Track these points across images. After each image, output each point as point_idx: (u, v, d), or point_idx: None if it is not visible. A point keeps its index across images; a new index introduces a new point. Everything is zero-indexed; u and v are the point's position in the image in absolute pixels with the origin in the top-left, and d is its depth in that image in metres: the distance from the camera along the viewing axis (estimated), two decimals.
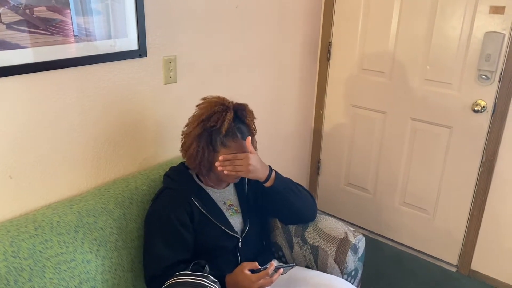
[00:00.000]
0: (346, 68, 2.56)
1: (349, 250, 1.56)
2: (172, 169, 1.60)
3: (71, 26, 1.39)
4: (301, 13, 2.43)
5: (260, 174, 1.48)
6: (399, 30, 2.30)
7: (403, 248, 2.61)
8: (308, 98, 2.71)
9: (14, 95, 1.32)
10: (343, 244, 1.57)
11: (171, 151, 1.86)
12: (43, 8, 1.32)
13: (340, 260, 1.57)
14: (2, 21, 1.24)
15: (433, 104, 2.29)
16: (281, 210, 1.62)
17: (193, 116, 1.50)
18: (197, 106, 1.50)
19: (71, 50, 1.42)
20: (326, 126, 2.76)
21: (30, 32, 1.30)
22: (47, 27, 1.34)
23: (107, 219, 1.48)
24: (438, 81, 2.24)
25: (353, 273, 1.60)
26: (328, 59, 2.62)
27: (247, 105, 1.50)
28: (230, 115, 1.43)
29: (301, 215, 1.65)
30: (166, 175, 1.59)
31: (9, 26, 1.25)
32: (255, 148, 1.54)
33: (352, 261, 1.57)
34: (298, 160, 2.81)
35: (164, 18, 1.69)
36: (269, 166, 1.52)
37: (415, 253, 2.57)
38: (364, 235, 2.68)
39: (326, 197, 2.90)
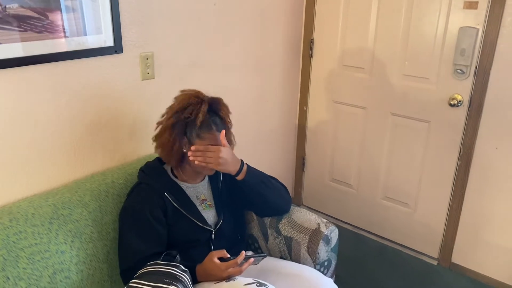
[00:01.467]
0: (327, 65, 2.60)
1: (321, 241, 1.59)
2: (147, 164, 1.64)
3: (45, 23, 1.43)
4: (283, 10, 2.47)
5: (230, 167, 1.51)
6: (378, 26, 2.34)
7: (385, 242, 2.64)
8: (291, 95, 2.74)
9: None
10: (315, 235, 1.60)
11: (150, 147, 1.88)
12: (17, 5, 1.35)
13: (312, 251, 1.60)
14: None
15: (411, 99, 2.32)
16: (254, 203, 1.66)
17: (169, 107, 1.53)
18: (174, 98, 1.54)
19: (45, 47, 1.45)
20: (310, 122, 2.79)
21: (2, 28, 1.33)
22: (20, 24, 1.37)
23: (82, 211, 1.51)
24: (416, 76, 2.28)
25: (325, 263, 1.63)
26: (311, 56, 2.66)
27: (221, 99, 1.54)
28: (205, 107, 1.46)
29: (275, 208, 1.68)
30: (141, 170, 1.62)
31: None
32: (232, 141, 1.58)
33: (324, 252, 1.60)
34: (283, 156, 2.84)
35: (141, 14, 1.73)
36: (241, 160, 1.56)
37: (397, 247, 2.60)
38: (347, 229, 2.73)
39: (312, 192, 2.93)
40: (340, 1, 2.44)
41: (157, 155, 1.61)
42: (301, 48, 2.67)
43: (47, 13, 1.43)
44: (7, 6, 1.33)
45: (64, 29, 1.49)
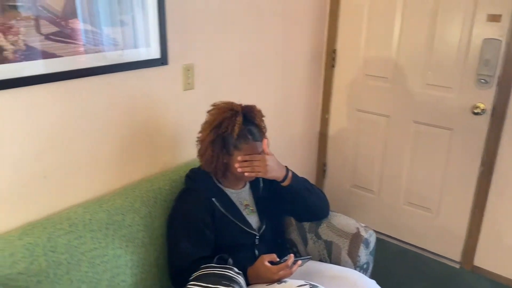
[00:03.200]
0: (350, 74, 2.68)
1: (362, 244, 1.66)
2: (193, 170, 1.70)
3: (101, 36, 1.50)
4: (307, 22, 2.55)
5: (277, 174, 1.58)
6: (401, 37, 2.42)
7: (407, 247, 2.71)
8: (313, 103, 2.81)
9: (51, 100, 1.42)
10: (355, 239, 1.67)
11: (188, 154, 1.96)
12: (76, 20, 1.42)
13: (353, 254, 1.66)
14: (41, 32, 1.34)
15: (434, 108, 2.40)
16: (297, 208, 1.72)
17: (205, 122, 1.60)
18: (207, 112, 1.61)
19: (103, 59, 1.52)
20: (332, 130, 2.87)
21: (64, 42, 1.40)
22: (80, 37, 1.44)
23: (134, 216, 1.57)
24: (439, 86, 2.36)
25: (365, 266, 1.70)
26: (333, 66, 2.74)
27: (254, 106, 1.60)
28: (239, 119, 1.53)
29: (316, 213, 1.75)
30: (188, 176, 1.68)
31: (47, 37, 1.35)
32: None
33: (364, 255, 1.67)
34: (304, 163, 2.91)
35: (183, 28, 1.80)
36: (285, 166, 1.62)
37: (419, 251, 2.67)
38: None
39: (333, 198, 2.98)
40: (363, 12, 2.53)
41: (196, 162, 1.68)
42: (323, 58, 2.75)
43: (103, 27, 1.50)
44: (69, 20, 1.40)
45: (117, 42, 1.55)
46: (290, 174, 1.61)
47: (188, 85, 1.89)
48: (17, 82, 1.32)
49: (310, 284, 1.41)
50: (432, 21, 2.30)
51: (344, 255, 1.68)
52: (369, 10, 2.51)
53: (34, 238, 1.33)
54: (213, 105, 1.61)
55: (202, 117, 1.62)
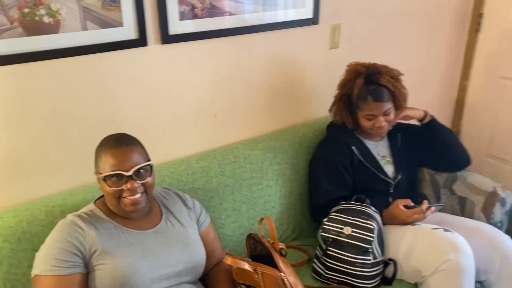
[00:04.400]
0: (496, 40, 2.57)
1: (497, 202, 1.70)
2: (334, 122, 1.88)
3: None
4: None
5: (416, 115, 1.79)
6: None
7: None
8: (453, 68, 2.77)
9: (223, 52, 1.71)
10: (491, 197, 1.71)
11: (327, 109, 2.14)
12: None
13: (487, 211, 1.71)
14: None
15: None
16: (440, 151, 1.80)
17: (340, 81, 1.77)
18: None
19: (267, 18, 1.76)
20: (470, 97, 2.80)
21: (239, 2, 1.66)
22: None
23: (283, 156, 1.82)
24: None
25: (498, 224, 1.73)
26: (477, 30, 2.65)
27: (384, 66, 1.69)
28: (360, 81, 1.66)
29: (458, 158, 1.82)
30: (330, 126, 1.87)
31: None
32: (401, 106, 1.72)
33: (499, 213, 1.71)
34: None
35: None
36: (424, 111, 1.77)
37: None
38: None
39: None
40: None
41: None
42: (468, 23, 2.67)
43: None
44: None
45: (280, 2, 1.77)
46: (429, 115, 1.75)
47: (334, 44, 2.05)
48: (200, 35, 1.62)
49: (444, 228, 1.52)
50: None
51: (478, 211, 1.73)
52: None
53: (208, 163, 1.66)
54: (348, 65, 1.75)
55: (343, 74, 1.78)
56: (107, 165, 1.15)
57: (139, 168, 1.17)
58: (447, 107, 2.88)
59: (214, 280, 1.39)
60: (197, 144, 1.75)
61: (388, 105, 1.65)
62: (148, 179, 1.20)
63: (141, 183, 1.18)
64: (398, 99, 1.70)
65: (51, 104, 1.37)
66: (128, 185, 1.16)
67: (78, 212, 1.23)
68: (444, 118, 2.89)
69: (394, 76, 1.70)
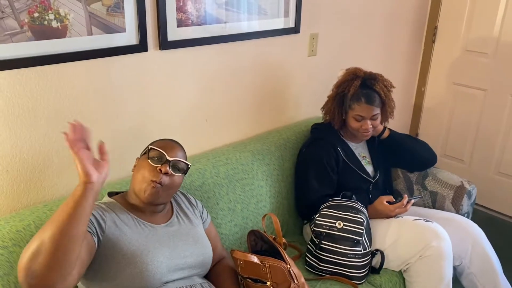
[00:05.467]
0: (450, 50, 2.83)
1: (465, 195, 1.89)
2: (319, 124, 1.99)
3: (256, 7, 1.82)
4: (411, 3, 2.73)
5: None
6: (507, 13, 2.54)
7: (496, 215, 2.86)
8: (411, 76, 3.00)
9: (211, 58, 1.77)
10: (459, 190, 1.90)
11: (307, 113, 2.26)
12: None
13: (456, 203, 1.90)
14: (217, 2, 1.68)
15: None
16: (405, 157, 1.96)
17: (336, 82, 1.89)
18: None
19: (255, 26, 1.85)
20: (427, 102, 3.05)
21: (230, 10, 1.74)
22: (243, 7, 1.77)
23: (271, 157, 1.91)
24: None
25: (466, 215, 1.92)
26: (433, 41, 2.90)
27: (379, 75, 1.84)
28: (357, 83, 1.79)
29: (423, 160, 1.98)
30: (315, 128, 1.98)
31: (220, 6, 1.70)
32: (387, 116, 1.88)
33: (466, 205, 1.90)
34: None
35: (312, 1, 2.07)
36: (384, 126, 1.92)
37: (508, 220, 2.81)
38: None
39: None
40: None
41: (313, 120, 2.00)
42: (424, 34, 2.92)
43: None
44: None
45: (267, 12, 1.87)
46: (387, 130, 1.90)
47: (312, 52, 2.18)
48: (195, 42, 1.68)
49: (424, 219, 1.68)
50: None
51: (448, 204, 1.91)
52: None
53: (203, 165, 1.71)
54: (346, 69, 1.89)
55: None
56: (156, 148, 1.29)
57: (179, 161, 1.31)
58: (406, 111, 3.11)
59: (218, 277, 1.44)
60: (190, 147, 1.78)
61: (377, 110, 1.79)
62: (178, 176, 1.31)
63: (172, 174, 1.27)
64: (386, 108, 1.84)
65: (54, 107, 1.37)
66: (163, 168, 1.25)
67: (96, 202, 1.26)
68: (404, 122, 3.12)
69: (387, 86, 1.84)
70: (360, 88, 1.80)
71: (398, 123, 3.08)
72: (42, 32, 1.27)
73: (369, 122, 1.77)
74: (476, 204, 2.93)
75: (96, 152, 1.07)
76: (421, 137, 3.14)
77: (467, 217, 1.94)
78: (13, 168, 1.34)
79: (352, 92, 1.79)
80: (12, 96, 1.28)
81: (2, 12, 1.18)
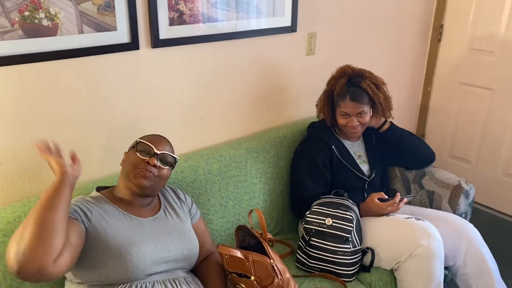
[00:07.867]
0: (456, 48, 2.79)
1: (462, 195, 1.86)
2: (315, 123, 2.00)
3: (252, 6, 1.83)
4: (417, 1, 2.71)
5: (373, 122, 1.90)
6: None
7: (503, 216, 2.80)
8: (417, 75, 2.97)
9: (208, 55, 1.80)
10: (456, 190, 1.87)
11: (304, 111, 2.26)
12: None
13: (453, 203, 1.87)
14: (210, 0, 1.70)
15: None
16: (405, 152, 1.95)
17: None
18: None
19: (249, 25, 1.86)
20: (433, 102, 3.01)
21: (225, 10, 1.76)
22: (237, 6, 1.79)
23: (266, 155, 1.92)
24: None
25: (463, 215, 1.89)
26: (439, 40, 2.86)
27: (366, 72, 1.83)
28: (343, 80, 1.81)
29: (422, 156, 1.97)
30: (311, 127, 1.99)
31: (213, 5, 1.72)
32: (377, 109, 1.85)
33: (463, 204, 1.87)
34: None
35: (309, 0, 2.08)
36: (385, 119, 1.91)
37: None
38: None
39: None
40: None
41: (310, 119, 2.00)
42: (429, 33, 2.89)
43: None
44: None
45: (262, 11, 1.89)
46: (387, 123, 1.89)
47: (310, 51, 2.18)
48: (188, 40, 1.70)
49: (416, 218, 1.66)
50: None
51: (445, 203, 1.89)
52: None
53: (196, 162, 1.73)
54: (337, 68, 1.89)
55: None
56: (144, 142, 1.34)
57: (167, 154, 1.35)
58: (412, 112, 3.07)
59: (206, 272, 1.46)
60: (184, 144, 1.82)
61: (364, 108, 1.78)
62: (166, 169, 1.35)
63: (160, 167, 1.32)
64: (377, 105, 1.82)
65: (46, 104, 1.42)
66: (151, 160, 1.30)
67: (83, 196, 1.32)
68: (410, 122, 3.09)
69: (377, 83, 1.83)
70: (346, 85, 1.80)
71: (405, 123, 3.05)
72: (33, 30, 1.32)
73: (355, 119, 1.78)
74: (484, 206, 2.89)
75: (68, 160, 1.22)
76: (428, 137, 3.10)
77: (465, 217, 1.91)
78: (6, 161, 1.38)
79: (338, 90, 1.81)
80: (4, 92, 1.33)
81: None
